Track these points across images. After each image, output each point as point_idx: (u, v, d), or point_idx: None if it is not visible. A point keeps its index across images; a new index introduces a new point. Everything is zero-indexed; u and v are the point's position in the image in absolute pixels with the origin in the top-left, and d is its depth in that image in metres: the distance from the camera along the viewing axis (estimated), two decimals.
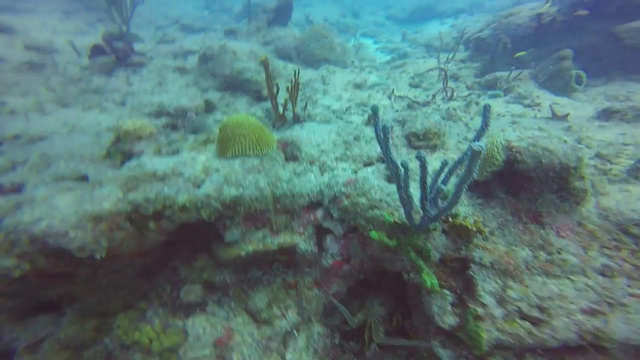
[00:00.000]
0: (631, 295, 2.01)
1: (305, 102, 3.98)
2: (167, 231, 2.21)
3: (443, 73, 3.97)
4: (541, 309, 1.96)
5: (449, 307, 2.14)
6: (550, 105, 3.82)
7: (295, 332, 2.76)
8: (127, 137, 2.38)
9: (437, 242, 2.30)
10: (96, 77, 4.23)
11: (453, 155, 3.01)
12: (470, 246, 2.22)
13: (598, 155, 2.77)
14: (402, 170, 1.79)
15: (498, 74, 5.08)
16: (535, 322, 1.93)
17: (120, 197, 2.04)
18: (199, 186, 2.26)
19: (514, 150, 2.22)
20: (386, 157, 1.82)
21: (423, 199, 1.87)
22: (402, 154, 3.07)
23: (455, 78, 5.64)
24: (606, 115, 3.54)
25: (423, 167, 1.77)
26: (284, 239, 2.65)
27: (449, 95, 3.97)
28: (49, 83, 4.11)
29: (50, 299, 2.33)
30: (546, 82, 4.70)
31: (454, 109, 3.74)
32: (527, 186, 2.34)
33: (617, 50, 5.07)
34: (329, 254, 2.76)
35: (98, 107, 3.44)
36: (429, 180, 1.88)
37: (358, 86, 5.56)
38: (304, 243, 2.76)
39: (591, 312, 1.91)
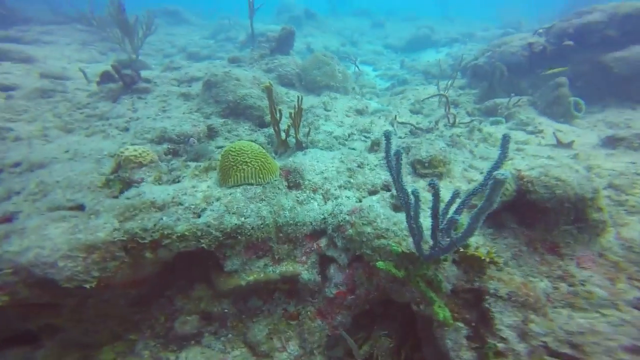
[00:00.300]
0: None
1: (308, 129, 4.00)
2: (164, 260, 2.09)
3: (444, 99, 4.04)
4: (573, 346, 1.78)
5: (464, 341, 1.95)
6: (553, 133, 3.82)
7: None
8: (127, 164, 2.33)
9: (448, 273, 2.16)
10: (102, 103, 4.31)
11: (459, 184, 2.94)
12: (483, 277, 2.08)
13: (611, 186, 2.70)
14: (413, 198, 1.71)
15: (497, 100, 5.18)
16: (569, 358, 1.74)
17: (116, 226, 1.95)
18: (199, 215, 2.18)
19: (525, 180, 2.15)
20: (397, 185, 1.75)
21: (435, 229, 1.77)
22: (407, 181, 3.01)
23: (455, 104, 5.75)
24: (612, 142, 3.52)
25: (436, 195, 1.69)
26: (286, 268, 2.52)
27: (451, 121, 4.01)
28: (56, 109, 4.18)
29: (29, 330, 2.15)
30: (546, 109, 4.76)
31: (458, 136, 3.75)
32: (541, 217, 2.25)
33: (607, 78, 5.21)
34: (333, 284, 2.61)
35: (101, 133, 3.45)
36: (441, 209, 1.79)
37: (360, 112, 5.65)
38: (306, 272, 2.62)
39: (637, 351, 1.72)
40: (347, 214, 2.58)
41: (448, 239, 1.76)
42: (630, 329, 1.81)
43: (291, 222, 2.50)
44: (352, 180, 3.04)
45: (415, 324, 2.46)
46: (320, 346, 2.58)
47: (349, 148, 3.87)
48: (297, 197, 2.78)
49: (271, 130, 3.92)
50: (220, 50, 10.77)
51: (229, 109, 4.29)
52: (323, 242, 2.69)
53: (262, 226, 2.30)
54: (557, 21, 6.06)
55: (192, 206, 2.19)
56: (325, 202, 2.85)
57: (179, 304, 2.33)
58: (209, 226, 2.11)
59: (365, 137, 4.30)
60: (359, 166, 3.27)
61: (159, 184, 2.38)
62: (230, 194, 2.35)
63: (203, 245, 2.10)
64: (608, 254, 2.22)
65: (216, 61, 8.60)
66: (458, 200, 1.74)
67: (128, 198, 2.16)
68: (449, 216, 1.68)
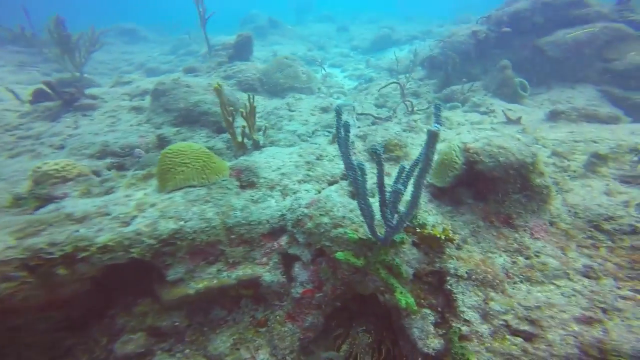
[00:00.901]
0: (623, 298, 1.87)
1: (264, 127, 3.89)
2: (88, 276, 1.86)
3: (399, 87, 4.10)
4: (531, 322, 1.75)
5: (432, 329, 1.88)
6: (503, 111, 3.97)
7: None
8: (46, 179, 2.08)
9: (409, 257, 2.10)
10: (39, 122, 3.95)
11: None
12: (444, 257, 2.03)
13: (555, 154, 2.80)
14: (360, 173, 1.63)
15: (454, 87, 5.35)
16: (528, 337, 1.71)
17: (10, 244, 1.70)
18: (128, 224, 1.97)
19: (471, 151, 2.16)
20: (344, 159, 1.66)
21: (382, 204, 1.70)
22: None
23: (417, 95, 5.88)
24: (554, 116, 3.71)
25: (380, 164, 1.63)
26: (244, 271, 2.35)
27: (409, 109, 4.06)
28: None
29: None
30: (497, 91, 4.97)
31: (414, 121, 3.78)
32: (492, 188, 2.26)
33: (545, 61, 5.55)
34: (298, 283, 2.47)
35: (30, 153, 3.12)
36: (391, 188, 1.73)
37: (324, 110, 5.61)
38: (268, 274, 2.46)
39: (587, 321, 1.72)
40: (305, 207, 2.47)
41: (397, 214, 1.70)
42: (580, 299, 1.82)
43: (244, 222, 2.34)
44: (311, 173, 2.95)
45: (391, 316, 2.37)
46: (293, 351, 2.41)
47: (311, 143, 3.79)
48: (252, 197, 2.63)
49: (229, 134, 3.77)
50: (182, 64, 10.46)
51: (182, 117, 4.09)
52: (284, 240, 2.56)
53: (207, 229, 2.13)
54: (494, 10, 6.44)
55: (122, 215, 1.99)
56: (284, 198, 2.72)
57: (120, 322, 2.09)
58: (139, 234, 1.91)
59: (328, 132, 4.25)
60: (317, 158, 3.19)
61: (87, 197, 2.15)
62: (168, 199, 2.17)
63: (134, 254, 1.89)
64: (558, 221, 2.25)
65: (173, 74, 8.32)
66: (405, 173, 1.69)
67: (39, 214, 1.91)
68: (392, 189, 1.62)
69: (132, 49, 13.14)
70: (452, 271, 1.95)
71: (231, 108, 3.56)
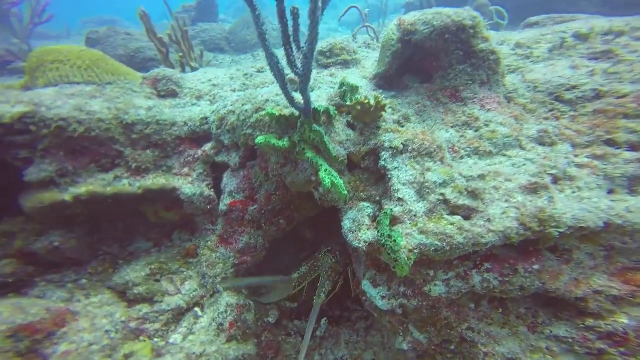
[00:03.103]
0: (579, 165, 1.58)
1: (200, 51, 3.55)
2: None
3: (359, 12, 3.77)
4: (472, 194, 1.46)
5: (367, 220, 1.58)
6: None
7: (197, 309, 2.04)
8: None
9: (342, 137, 1.79)
10: None
11: (370, 70, 2.59)
12: (379, 132, 1.72)
13: (518, 45, 2.48)
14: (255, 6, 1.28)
15: None
16: (467, 214, 1.42)
17: None
18: None
19: (405, 23, 1.84)
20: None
21: (285, 44, 1.37)
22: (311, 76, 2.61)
23: None
24: (527, 26, 3.40)
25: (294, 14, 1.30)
26: (154, 180, 2.00)
27: (371, 35, 3.71)
28: None
29: None
30: None
31: (372, 38, 3.45)
32: (435, 64, 1.94)
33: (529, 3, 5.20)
34: (226, 193, 2.14)
35: None
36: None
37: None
38: (189, 186, 2.12)
39: (532, 189, 1.44)
40: (231, 104, 2.13)
41: (301, 56, 1.37)
42: (530, 166, 1.54)
43: (149, 120, 1.99)
44: (248, 82, 2.60)
45: None
46: (226, 279, 2.10)
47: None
48: (171, 103, 2.28)
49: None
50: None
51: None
52: (208, 146, 2.22)
53: (86, 120, 1.76)
54: None
55: None
56: (212, 104, 2.38)
57: None
58: None
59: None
60: (258, 71, 2.84)
61: None
62: (33, 92, 1.78)
63: None
64: (515, 96, 1.96)
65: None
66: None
67: None
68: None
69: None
70: (386, 144, 1.65)
71: (160, 36, 3.22)
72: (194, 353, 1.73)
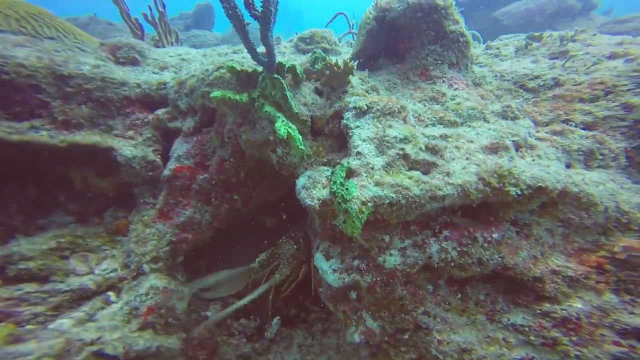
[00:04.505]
0: (539, 139, 1.56)
1: (175, 33, 3.45)
2: None
3: (345, 18, 3.90)
4: (433, 150, 1.37)
5: (324, 180, 1.42)
6: None
7: (110, 294, 1.66)
8: None
9: (308, 99, 1.67)
10: None
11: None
12: (345, 96, 1.62)
13: (488, 47, 2.61)
14: None
15: None
16: (427, 169, 1.31)
17: None
18: None
19: (382, 2, 1.86)
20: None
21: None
22: (290, 59, 2.55)
23: None
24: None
25: None
26: (86, 137, 1.72)
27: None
28: None
29: None
30: None
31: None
32: (408, 44, 1.94)
33: (501, 30, 5.83)
34: (174, 158, 1.89)
35: None
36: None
37: None
38: (131, 149, 1.85)
39: (494, 149, 1.38)
40: (194, 70, 1.97)
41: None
42: (493, 133, 1.51)
43: (93, 76, 1.77)
44: (221, 59, 2.47)
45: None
46: (158, 259, 1.77)
47: None
48: (129, 70, 2.08)
49: None
50: None
51: None
52: (162, 111, 2.01)
53: None
54: None
55: None
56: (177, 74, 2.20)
57: None
58: None
59: None
60: (234, 52, 2.73)
61: None
62: None
63: None
64: (482, 82, 1.98)
65: None
66: None
67: None
68: None
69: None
70: (350, 105, 1.55)
71: (135, 17, 3.12)
72: (80, 339, 1.34)
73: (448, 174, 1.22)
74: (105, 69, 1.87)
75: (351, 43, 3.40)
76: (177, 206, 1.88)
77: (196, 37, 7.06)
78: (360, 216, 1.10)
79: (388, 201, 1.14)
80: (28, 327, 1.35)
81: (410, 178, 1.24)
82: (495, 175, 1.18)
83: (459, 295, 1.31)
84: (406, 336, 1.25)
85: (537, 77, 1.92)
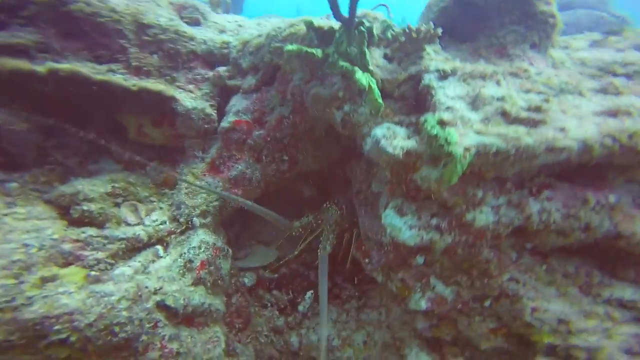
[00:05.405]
0: None
1: (226, 3, 3.52)
2: None
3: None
4: (537, 109, 1.22)
5: (403, 133, 1.30)
6: None
7: (159, 247, 1.59)
8: None
9: (380, 62, 1.59)
10: None
11: None
12: (422, 61, 1.53)
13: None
14: None
15: None
16: (533, 125, 1.16)
17: None
18: None
19: None
20: None
21: None
22: None
23: None
24: None
25: None
26: (154, 85, 1.72)
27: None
28: None
29: None
30: None
31: None
32: (483, 24, 1.84)
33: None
34: (232, 112, 1.86)
35: None
36: None
37: None
38: (191, 101, 1.84)
39: (612, 113, 1.22)
40: (259, 32, 1.97)
41: None
42: (598, 102, 1.35)
43: (168, 27, 1.80)
44: (291, 29, 2.49)
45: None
46: (207, 214, 1.70)
47: None
48: (195, 28, 2.11)
49: None
50: None
51: None
52: (223, 68, 2.01)
53: (97, 4, 1.55)
54: None
55: None
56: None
57: None
58: None
59: None
60: (290, 26, 2.76)
61: None
62: None
63: None
64: (561, 68, 1.83)
65: None
66: None
67: None
68: None
69: None
70: (432, 68, 1.44)
71: None
72: (146, 287, 1.26)
73: (562, 130, 1.06)
74: (178, 22, 1.91)
75: None
76: (230, 160, 1.82)
77: None
78: (462, 162, 0.97)
79: (495, 149, 1.00)
80: (92, 273, 1.30)
81: (515, 130, 1.09)
82: (626, 133, 1.03)
83: (544, 267, 1.12)
84: (487, 303, 1.07)
85: (630, 64, 1.76)
